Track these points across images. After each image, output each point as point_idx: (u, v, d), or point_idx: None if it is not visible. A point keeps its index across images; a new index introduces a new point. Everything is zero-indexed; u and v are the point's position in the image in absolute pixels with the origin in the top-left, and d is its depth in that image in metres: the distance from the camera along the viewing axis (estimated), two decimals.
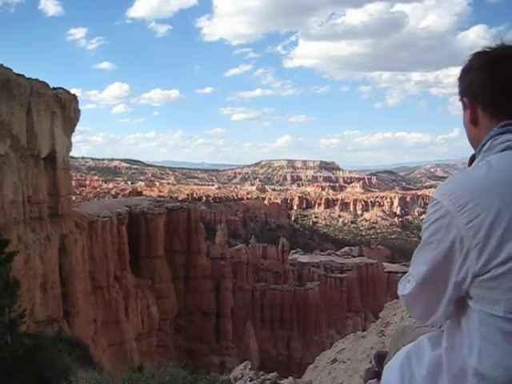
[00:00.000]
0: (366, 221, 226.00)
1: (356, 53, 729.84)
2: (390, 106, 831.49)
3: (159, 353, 61.11)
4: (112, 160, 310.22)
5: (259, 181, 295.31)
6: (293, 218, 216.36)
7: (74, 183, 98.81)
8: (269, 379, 10.03)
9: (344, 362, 9.68)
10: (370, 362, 7.60)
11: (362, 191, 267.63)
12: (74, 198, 76.36)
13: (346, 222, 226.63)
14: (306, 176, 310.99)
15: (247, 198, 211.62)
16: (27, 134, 43.64)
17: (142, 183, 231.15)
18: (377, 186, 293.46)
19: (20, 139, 42.68)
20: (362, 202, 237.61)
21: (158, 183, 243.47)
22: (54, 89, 50.11)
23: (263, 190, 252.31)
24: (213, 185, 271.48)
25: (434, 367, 1.91)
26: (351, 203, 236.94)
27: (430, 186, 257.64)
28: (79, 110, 54.99)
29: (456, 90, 2.01)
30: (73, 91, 55.20)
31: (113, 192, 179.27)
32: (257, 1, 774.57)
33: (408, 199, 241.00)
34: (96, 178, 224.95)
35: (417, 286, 1.84)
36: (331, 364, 10.15)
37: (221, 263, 75.49)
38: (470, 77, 1.91)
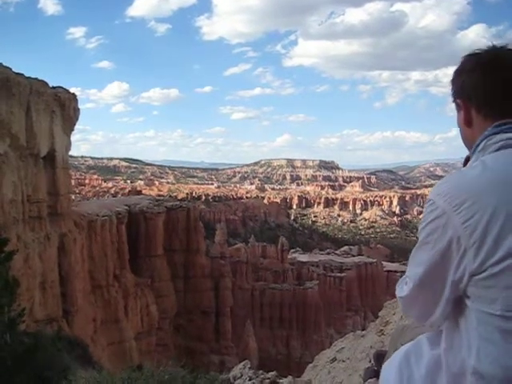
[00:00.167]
0: (366, 220, 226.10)
1: (355, 52, 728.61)
2: (390, 106, 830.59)
3: (158, 352, 61.13)
4: (111, 159, 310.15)
5: (258, 180, 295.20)
6: (292, 217, 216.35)
7: (73, 182, 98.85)
8: (268, 378, 10.03)
9: (343, 361, 9.69)
10: (370, 361, 7.61)
11: (362, 190, 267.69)
12: (73, 197, 76.33)
13: (346, 221, 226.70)
14: (306, 175, 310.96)
15: (246, 197, 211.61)
16: (26, 133, 43.62)
17: (142, 182, 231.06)
18: (376, 185, 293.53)
19: (19, 138, 42.66)
20: (362, 202, 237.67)
21: (157, 182, 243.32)
22: (54, 88, 50.09)
23: (262, 189, 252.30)
24: (212, 184, 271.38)
25: (432, 367, 1.92)
26: (350, 202, 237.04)
27: (430, 185, 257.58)
28: (78, 109, 54.99)
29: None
30: (72, 90, 55.29)
31: (112, 191, 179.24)
32: (256, 0, 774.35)
33: (407, 198, 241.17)
34: (95, 177, 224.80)
35: (414, 287, 1.85)
36: (330, 363, 10.15)
37: (220, 262, 75.52)
38: (462, 78, 1.93)
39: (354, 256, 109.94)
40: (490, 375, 1.65)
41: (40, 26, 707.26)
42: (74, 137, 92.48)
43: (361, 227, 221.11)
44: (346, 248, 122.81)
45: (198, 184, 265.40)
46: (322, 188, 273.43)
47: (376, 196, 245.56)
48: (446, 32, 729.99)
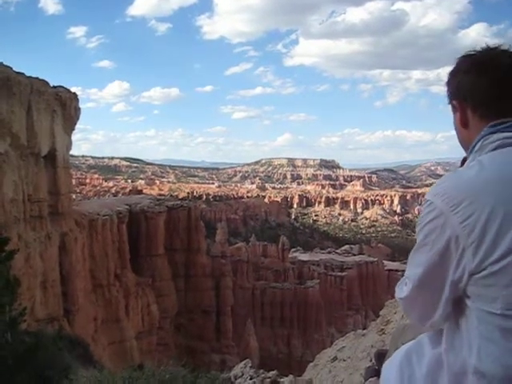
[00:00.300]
0: (367, 219, 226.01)
1: (356, 51, 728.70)
2: (391, 105, 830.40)
3: (159, 351, 61.18)
4: (112, 158, 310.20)
5: (259, 179, 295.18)
6: (293, 217, 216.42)
7: (74, 182, 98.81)
8: (269, 377, 10.04)
9: (344, 361, 9.68)
10: (371, 361, 7.61)
11: (363, 189, 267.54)
12: (74, 196, 76.38)
13: (346, 220, 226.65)
14: (306, 174, 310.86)
15: (247, 197, 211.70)
16: (27, 133, 43.64)
17: (143, 181, 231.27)
18: (377, 184, 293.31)
19: (20, 137, 42.68)
20: (363, 201, 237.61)
21: (158, 182, 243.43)
22: (54, 87, 50.11)
23: (263, 189, 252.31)
24: (213, 183, 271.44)
25: (434, 366, 1.91)
26: (351, 201, 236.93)
27: (431, 185, 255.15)
28: (79, 109, 55.02)
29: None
30: (73, 89, 55.37)
31: (113, 190, 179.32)
32: None
33: (408, 197, 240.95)
34: (96, 176, 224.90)
35: (414, 288, 1.85)
36: (331, 362, 10.15)
37: (221, 261, 75.53)
38: (457, 80, 1.94)
39: (354, 255, 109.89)
40: (491, 374, 1.65)
41: (40, 25, 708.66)
42: (75, 136, 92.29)
43: (362, 226, 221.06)
44: (346, 247, 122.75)
45: (198, 183, 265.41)
46: (323, 187, 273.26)
47: (377, 195, 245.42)
48: (447, 31, 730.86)
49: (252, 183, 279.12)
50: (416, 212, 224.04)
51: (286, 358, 76.19)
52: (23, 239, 41.67)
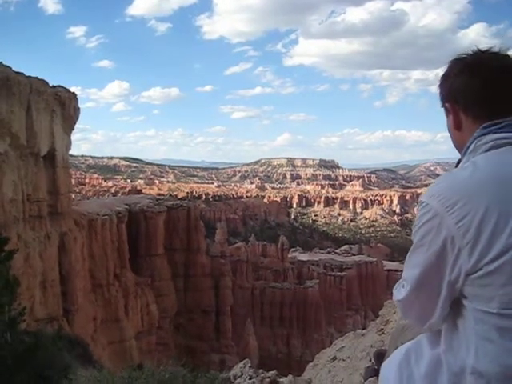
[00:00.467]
0: (366, 219, 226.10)
1: (356, 51, 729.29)
2: (390, 105, 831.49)
3: (159, 351, 61.14)
4: (112, 158, 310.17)
5: (259, 179, 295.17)
6: (292, 217, 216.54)
7: (73, 181, 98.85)
8: (268, 377, 10.03)
9: (344, 360, 9.68)
10: (370, 360, 7.62)
11: (362, 189, 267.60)
12: (73, 196, 76.35)
13: (346, 220, 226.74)
14: (306, 174, 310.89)
15: (247, 197, 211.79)
16: (27, 132, 43.61)
17: (142, 181, 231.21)
18: (376, 184, 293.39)
19: (19, 137, 42.66)
20: (362, 201, 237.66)
21: (157, 181, 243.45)
22: (54, 87, 50.08)
23: (263, 189, 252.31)
24: (212, 183, 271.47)
25: (433, 366, 1.91)
26: (351, 201, 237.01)
27: (430, 184, 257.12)
28: (79, 108, 54.99)
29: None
30: (72, 89, 55.41)
31: (112, 190, 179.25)
32: None
33: (408, 197, 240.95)
34: (96, 176, 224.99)
35: (411, 290, 1.86)
36: (331, 362, 10.15)
37: (220, 261, 75.52)
38: (449, 82, 1.96)
39: (354, 255, 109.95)
40: (488, 374, 1.66)
41: (40, 25, 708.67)
42: (75, 136, 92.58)
43: (361, 226, 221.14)
44: (346, 247, 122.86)
45: (198, 183, 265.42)
46: (323, 187, 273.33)
47: (376, 195, 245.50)
48: (446, 31, 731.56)
49: (251, 183, 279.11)
50: (415, 212, 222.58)
51: (285, 357, 76.20)
52: (22, 239, 41.66)
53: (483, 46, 1.92)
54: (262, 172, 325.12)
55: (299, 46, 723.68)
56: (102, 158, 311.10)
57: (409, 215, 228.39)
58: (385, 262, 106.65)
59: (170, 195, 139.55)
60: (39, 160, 46.56)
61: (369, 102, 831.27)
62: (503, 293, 1.63)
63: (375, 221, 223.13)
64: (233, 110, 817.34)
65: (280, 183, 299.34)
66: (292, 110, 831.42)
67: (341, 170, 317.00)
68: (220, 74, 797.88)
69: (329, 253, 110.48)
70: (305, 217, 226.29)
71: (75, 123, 54.80)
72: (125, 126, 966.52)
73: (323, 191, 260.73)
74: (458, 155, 2.00)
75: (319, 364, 10.71)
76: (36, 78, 46.78)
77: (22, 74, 44.20)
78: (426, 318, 1.90)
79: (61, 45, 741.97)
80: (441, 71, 2.05)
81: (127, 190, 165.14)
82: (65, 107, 50.54)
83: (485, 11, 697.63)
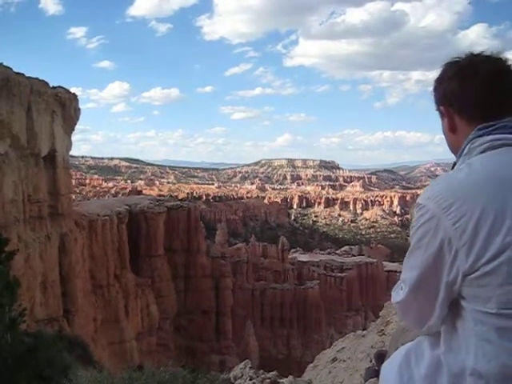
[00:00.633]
0: (366, 220, 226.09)
1: (356, 52, 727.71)
2: (390, 105, 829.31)
3: (159, 352, 61.17)
4: (112, 159, 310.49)
5: (259, 180, 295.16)
6: (293, 217, 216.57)
7: (73, 182, 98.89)
8: (269, 378, 10.03)
9: (344, 361, 9.69)
10: (371, 361, 7.62)
11: (362, 190, 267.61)
12: (73, 196, 76.39)
13: (346, 221, 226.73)
14: (306, 175, 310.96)
15: (247, 197, 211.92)
16: (27, 133, 43.65)
17: (142, 182, 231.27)
18: (377, 185, 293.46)
19: (20, 138, 42.70)
20: (362, 201, 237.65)
21: (157, 182, 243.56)
22: (54, 88, 50.12)
23: (263, 189, 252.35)
24: (213, 184, 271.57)
25: (433, 367, 1.92)
26: (351, 202, 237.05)
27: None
28: (79, 109, 55.04)
29: None
30: (73, 90, 55.42)
31: (113, 191, 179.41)
32: None
33: (408, 198, 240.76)
34: (96, 176, 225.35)
35: (409, 292, 1.87)
36: (331, 363, 10.16)
37: (221, 262, 75.52)
38: (443, 86, 1.99)
39: (354, 256, 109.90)
40: (488, 374, 1.67)
41: (41, 25, 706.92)
42: (75, 137, 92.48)
43: (361, 227, 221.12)
44: (346, 248, 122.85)
45: (198, 184, 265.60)
46: (323, 188, 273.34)
47: (377, 196, 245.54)
48: (446, 32, 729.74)
49: (252, 184, 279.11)
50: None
51: (285, 358, 76.12)
52: (23, 240, 41.68)
53: (476, 50, 1.96)
54: (262, 173, 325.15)
55: (299, 46, 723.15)
56: (103, 158, 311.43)
57: (409, 216, 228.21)
58: (385, 263, 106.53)
59: (171, 196, 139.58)
60: (40, 161, 46.59)
61: (369, 102, 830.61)
62: (501, 293, 1.64)
63: (375, 222, 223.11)
64: (233, 110, 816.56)
65: (280, 184, 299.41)
66: (292, 110, 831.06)
67: (341, 171, 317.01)
68: (220, 74, 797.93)
69: (329, 253, 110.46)
70: (305, 217, 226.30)
71: (75, 124, 54.85)
72: (125, 127, 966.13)
73: (323, 192, 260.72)
74: None
75: (319, 365, 10.72)
76: (36, 78, 46.83)
77: (23, 74, 44.26)
78: (424, 320, 1.91)
79: (61, 45, 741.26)
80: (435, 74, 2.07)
81: (127, 190, 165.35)
82: (65, 108, 50.58)
83: (485, 12, 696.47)
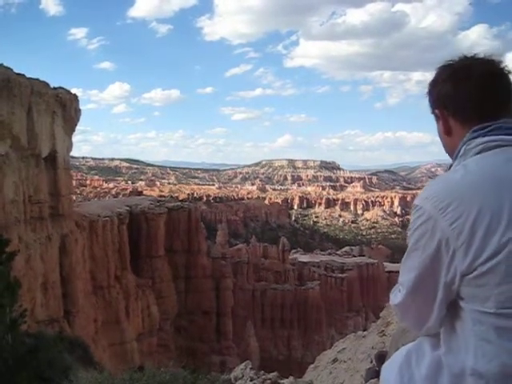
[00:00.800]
0: (367, 220, 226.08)
1: (357, 52, 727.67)
2: (391, 106, 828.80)
3: (160, 352, 61.15)
4: (112, 160, 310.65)
5: (260, 180, 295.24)
6: (293, 218, 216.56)
7: (74, 183, 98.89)
8: (269, 379, 10.03)
9: (345, 362, 9.68)
10: (371, 362, 7.61)
11: (363, 191, 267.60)
12: (74, 197, 76.36)
13: (347, 221, 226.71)
14: (307, 176, 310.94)
15: (248, 198, 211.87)
16: (28, 134, 43.66)
17: (143, 183, 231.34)
18: (377, 185, 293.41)
19: (20, 139, 42.71)
20: (363, 202, 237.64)
21: (158, 183, 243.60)
22: (55, 88, 50.13)
23: (264, 190, 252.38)
24: (213, 184, 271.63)
25: (433, 368, 1.92)
26: (352, 203, 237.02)
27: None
28: (80, 110, 55.05)
29: None
30: (73, 91, 55.38)
31: (113, 192, 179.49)
32: (257, 0, 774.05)
33: (408, 199, 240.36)
34: (96, 177, 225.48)
35: (407, 294, 1.88)
36: (332, 364, 10.15)
37: (221, 263, 75.52)
38: (438, 89, 2.00)
39: (355, 256, 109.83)
40: (488, 374, 1.67)
41: (41, 26, 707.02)
42: (75, 137, 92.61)
43: (362, 228, 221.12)
44: (347, 248, 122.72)
45: (199, 185, 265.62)
46: (323, 188, 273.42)
47: (377, 196, 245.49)
48: (447, 32, 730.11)
49: (252, 184, 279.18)
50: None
51: (286, 359, 76.08)
52: (24, 240, 41.69)
53: (470, 52, 1.97)
54: (262, 173, 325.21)
55: (300, 47, 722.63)
56: (103, 159, 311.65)
57: (410, 217, 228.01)
58: (386, 264, 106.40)
59: (171, 197, 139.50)
60: (40, 161, 46.60)
61: (369, 103, 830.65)
62: (498, 292, 1.65)
63: (376, 222, 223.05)
64: (233, 111, 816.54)
65: (281, 185, 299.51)
66: (293, 111, 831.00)
67: (342, 172, 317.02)
68: (220, 75, 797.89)
69: (330, 254, 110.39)
70: (306, 218, 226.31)
71: (76, 125, 54.86)
72: (126, 128, 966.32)
73: (324, 193, 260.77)
74: None
75: (320, 365, 10.72)
76: (37, 79, 46.84)
77: (23, 75, 44.27)
78: (423, 322, 1.92)
79: (62, 46, 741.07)
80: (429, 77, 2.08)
81: (128, 191, 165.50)
82: (66, 109, 50.60)
83: (486, 13, 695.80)
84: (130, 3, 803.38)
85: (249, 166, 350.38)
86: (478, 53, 1.95)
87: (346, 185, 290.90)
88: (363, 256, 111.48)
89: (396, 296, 1.96)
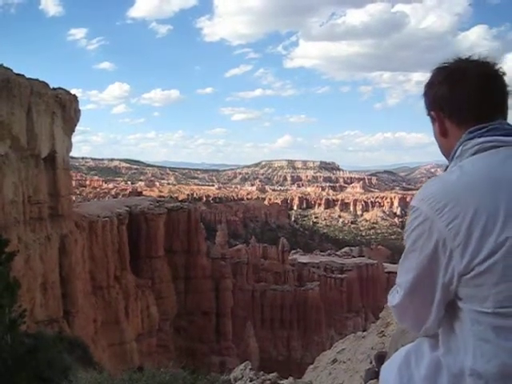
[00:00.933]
0: (366, 221, 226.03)
1: (356, 53, 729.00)
2: (391, 107, 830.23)
3: (159, 353, 61.12)
4: (112, 160, 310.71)
5: (259, 181, 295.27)
6: (293, 219, 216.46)
7: (74, 183, 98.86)
8: (269, 379, 10.02)
9: (344, 363, 9.68)
10: (371, 363, 7.61)
11: (362, 191, 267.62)
12: (74, 198, 76.34)
13: (346, 222, 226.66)
14: (306, 176, 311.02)
15: (247, 199, 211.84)
16: (27, 134, 43.65)
17: (142, 183, 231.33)
18: (377, 186, 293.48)
19: (20, 139, 42.70)
20: (362, 203, 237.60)
21: (158, 183, 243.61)
22: (54, 89, 50.13)
23: (263, 191, 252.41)
24: (213, 185, 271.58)
25: (433, 368, 1.92)
26: (351, 203, 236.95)
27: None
28: (79, 110, 55.03)
29: None
30: (73, 91, 55.35)
31: (113, 192, 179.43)
32: (257, 1, 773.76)
33: (408, 199, 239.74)
34: (96, 178, 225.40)
35: (405, 295, 1.88)
36: (331, 364, 10.15)
37: (221, 263, 75.49)
38: (433, 91, 2.01)
39: (354, 257, 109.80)
40: (487, 374, 1.68)
41: (41, 27, 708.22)
42: (75, 138, 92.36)
43: (361, 228, 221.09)
44: (346, 249, 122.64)
45: (198, 185, 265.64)
46: (323, 189, 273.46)
47: (377, 197, 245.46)
48: (447, 33, 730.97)
49: (252, 185, 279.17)
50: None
51: (285, 360, 76.04)
52: (23, 241, 41.67)
53: (464, 54, 1.98)
54: (262, 174, 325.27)
55: (300, 48, 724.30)
56: (103, 159, 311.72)
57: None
58: (385, 264, 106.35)
59: (171, 197, 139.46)
60: (40, 162, 46.59)
61: (369, 104, 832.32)
62: (496, 291, 1.66)
63: (376, 223, 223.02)
64: (233, 112, 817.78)
65: (280, 185, 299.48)
66: (292, 112, 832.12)
67: (341, 172, 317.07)
68: (220, 76, 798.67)
69: (329, 255, 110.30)
70: (305, 219, 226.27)
71: (76, 125, 54.85)
72: (125, 128, 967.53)
73: (324, 193, 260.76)
74: None
75: (320, 366, 10.71)
76: (37, 80, 46.84)
77: (23, 76, 44.26)
78: (421, 323, 1.92)
79: (61, 47, 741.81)
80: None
81: (128, 192, 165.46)
82: (65, 109, 50.59)
83: (485, 13, 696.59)
84: (129, 3, 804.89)
85: (248, 167, 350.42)
86: (473, 54, 1.96)
87: (346, 185, 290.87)
88: (363, 257, 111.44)
89: (394, 297, 1.96)
